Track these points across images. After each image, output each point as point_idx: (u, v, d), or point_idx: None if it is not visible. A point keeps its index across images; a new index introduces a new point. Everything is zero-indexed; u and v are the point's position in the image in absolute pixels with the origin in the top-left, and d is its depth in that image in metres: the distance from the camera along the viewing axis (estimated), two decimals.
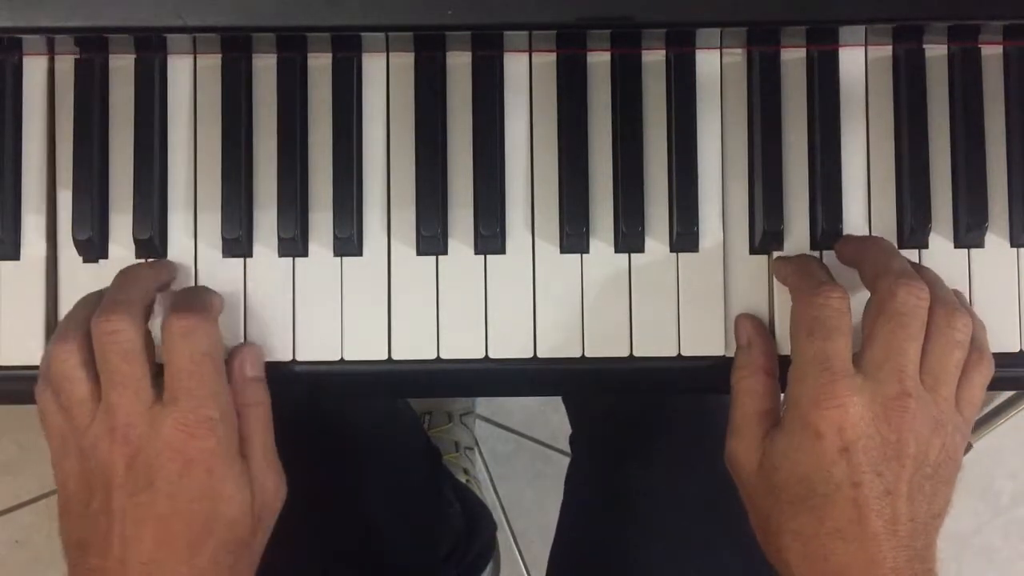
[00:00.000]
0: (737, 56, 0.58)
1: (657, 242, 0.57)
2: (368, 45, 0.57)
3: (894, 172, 0.57)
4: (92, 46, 0.56)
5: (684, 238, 0.56)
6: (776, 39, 0.57)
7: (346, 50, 0.57)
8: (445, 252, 0.57)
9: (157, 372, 0.51)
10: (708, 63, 0.57)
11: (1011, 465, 1.44)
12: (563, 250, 0.57)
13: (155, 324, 0.53)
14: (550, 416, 1.41)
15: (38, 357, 0.53)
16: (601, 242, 0.57)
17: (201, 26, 0.53)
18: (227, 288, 0.56)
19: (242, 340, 0.56)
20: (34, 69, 0.57)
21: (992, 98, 0.57)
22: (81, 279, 0.56)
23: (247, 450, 0.52)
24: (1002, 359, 0.55)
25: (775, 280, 0.57)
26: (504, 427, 1.43)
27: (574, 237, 0.56)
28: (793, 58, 0.58)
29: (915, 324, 0.50)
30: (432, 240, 0.56)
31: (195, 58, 0.57)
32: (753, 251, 0.58)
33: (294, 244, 0.56)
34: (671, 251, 0.57)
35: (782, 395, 0.53)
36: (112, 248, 0.57)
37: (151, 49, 0.57)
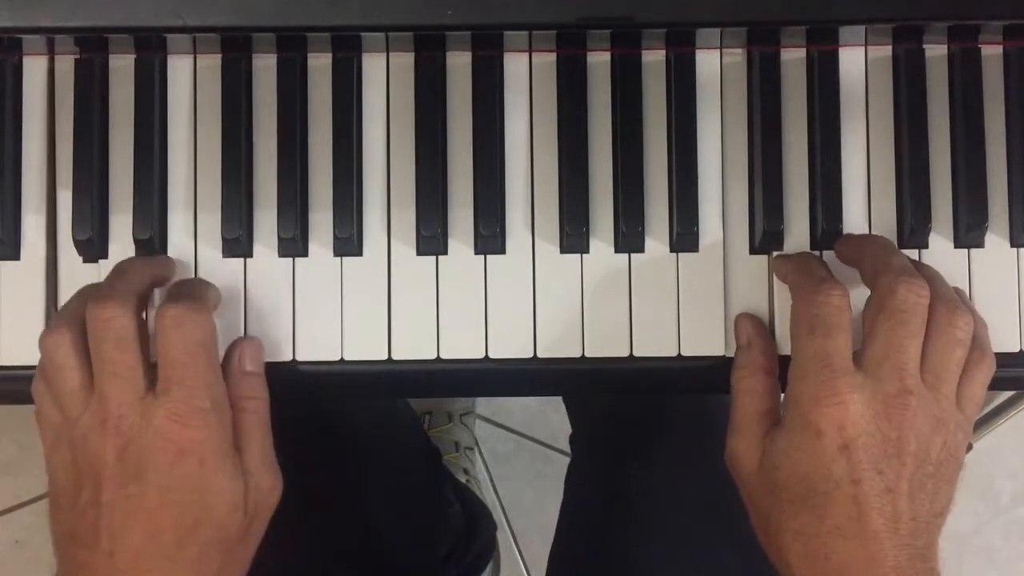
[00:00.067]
0: (737, 56, 0.58)
1: (657, 242, 0.57)
2: (368, 45, 0.57)
3: (894, 172, 0.57)
4: (92, 46, 0.56)
5: (684, 238, 0.56)
6: (776, 39, 0.57)
7: (346, 50, 0.57)
8: (445, 252, 0.57)
9: (152, 365, 0.51)
10: (708, 63, 0.57)
11: (1011, 465, 1.44)
12: (563, 250, 0.57)
13: (153, 318, 0.52)
14: (550, 416, 1.41)
15: (38, 357, 0.53)
16: (601, 242, 0.57)
17: (201, 26, 0.53)
18: (227, 288, 0.56)
19: None
20: (34, 69, 0.57)
21: (992, 98, 0.57)
22: (81, 279, 0.56)
23: (242, 445, 0.52)
24: (1002, 359, 0.55)
25: (775, 280, 0.57)
26: (504, 427, 1.43)
27: (574, 237, 0.56)
28: (793, 58, 0.58)
29: (915, 321, 0.50)
30: (432, 240, 0.56)
31: (195, 58, 0.57)
32: (753, 251, 0.58)
33: (294, 244, 0.56)
34: (671, 251, 0.57)
35: (782, 395, 0.53)
36: (112, 248, 0.57)
37: (151, 49, 0.57)
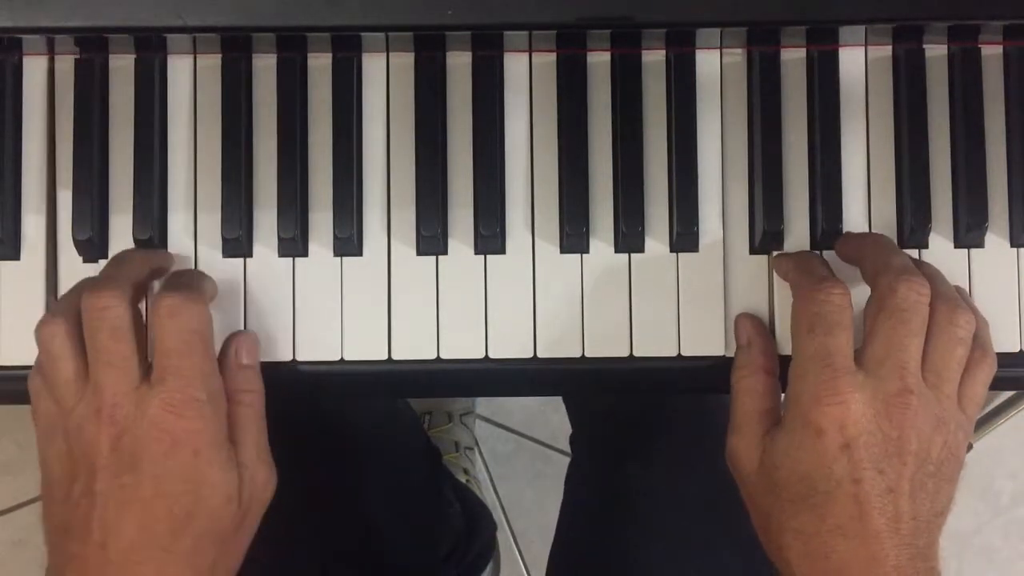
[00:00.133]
0: (737, 56, 0.58)
1: (657, 242, 0.57)
2: (368, 45, 0.57)
3: (894, 172, 0.57)
4: (92, 46, 0.56)
5: (684, 238, 0.56)
6: (776, 39, 0.57)
7: (346, 50, 0.57)
8: (445, 252, 0.57)
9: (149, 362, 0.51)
10: (708, 63, 0.57)
11: (1011, 465, 1.44)
12: (563, 250, 0.57)
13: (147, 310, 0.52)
14: (550, 416, 1.41)
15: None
16: (601, 242, 0.57)
17: (201, 26, 0.53)
18: (227, 288, 0.56)
19: None
20: (34, 69, 0.57)
21: (992, 98, 0.57)
22: (81, 279, 0.56)
23: (237, 438, 0.52)
24: (1002, 359, 0.55)
25: (775, 279, 0.57)
26: (504, 427, 1.43)
27: (574, 237, 0.56)
28: (793, 58, 0.58)
29: (916, 320, 0.50)
30: (432, 240, 0.56)
31: (195, 58, 0.57)
32: (753, 251, 0.58)
33: (294, 244, 0.56)
34: (671, 251, 0.57)
35: (782, 395, 0.53)
36: (112, 248, 0.57)
37: (151, 49, 0.57)
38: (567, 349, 0.57)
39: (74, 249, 0.57)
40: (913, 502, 0.48)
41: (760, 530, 0.53)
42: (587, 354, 0.57)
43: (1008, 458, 1.43)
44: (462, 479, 1.30)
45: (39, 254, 0.57)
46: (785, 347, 0.56)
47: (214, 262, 0.57)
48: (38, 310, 0.56)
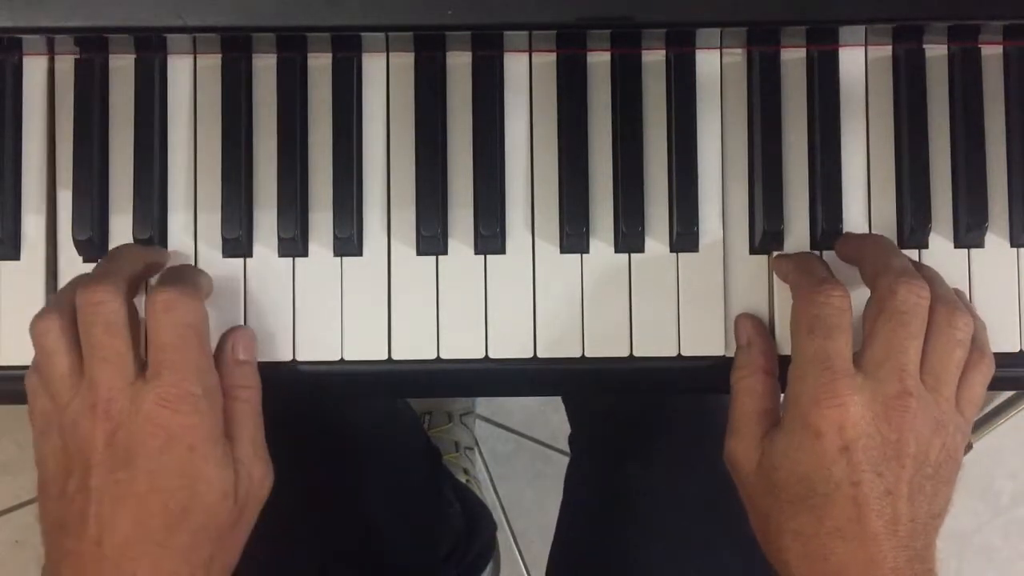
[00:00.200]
0: (737, 56, 0.58)
1: (657, 242, 0.57)
2: (368, 45, 0.57)
3: (894, 172, 0.57)
4: (92, 46, 0.56)
5: (684, 238, 0.56)
6: (776, 39, 0.57)
7: (346, 50, 0.57)
8: (445, 252, 0.57)
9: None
10: (708, 63, 0.57)
11: (1011, 465, 1.44)
12: (563, 250, 0.57)
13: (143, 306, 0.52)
14: (550, 416, 1.41)
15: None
16: (601, 242, 0.57)
17: (201, 26, 0.53)
18: (227, 288, 0.56)
19: None
20: (34, 69, 0.57)
21: (992, 98, 0.57)
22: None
23: (234, 434, 0.52)
24: (1002, 359, 0.55)
25: (775, 280, 0.57)
26: (504, 427, 1.43)
27: (574, 237, 0.56)
28: (793, 58, 0.58)
29: (916, 323, 0.50)
30: (432, 240, 0.56)
31: (195, 58, 0.57)
32: (753, 251, 0.58)
33: (294, 244, 0.56)
34: (671, 251, 0.57)
35: (782, 395, 0.53)
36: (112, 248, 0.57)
37: (151, 49, 0.57)
38: (567, 349, 0.57)
39: (74, 249, 0.57)
40: (911, 504, 0.49)
41: (758, 531, 0.53)
42: (587, 354, 0.57)
43: (1008, 458, 1.43)
44: (462, 479, 1.30)
45: (39, 254, 0.57)
46: (785, 347, 0.56)
47: (214, 262, 0.57)
48: (38, 310, 0.56)
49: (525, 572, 1.42)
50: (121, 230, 0.56)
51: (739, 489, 0.54)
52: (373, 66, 0.57)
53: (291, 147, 0.56)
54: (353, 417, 0.80)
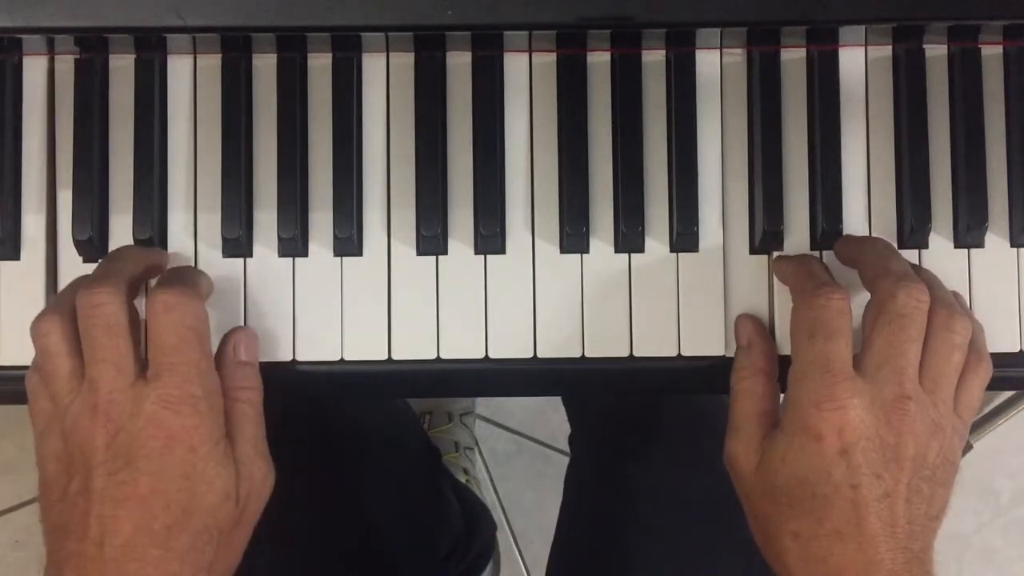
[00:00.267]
0: (737, 56, 0.58)
1: (657, 242, 0.57)
2: (368, 45, 0.57)
3: (894, 172, 0.57)
4: (92, 46, 0.56)
5: (684, 238, 0.56)
6: (776, 39, 0.57)
7: (346, 50, 0.57)
8: (445, 252, 0.57)
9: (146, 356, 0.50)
10: (708, 63, 0.57)
11: (1011, 465, 1.44)
12: (563, 250, 0.57)
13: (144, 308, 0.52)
14: (550, 416, 1.41)
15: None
16: (601, 242, 0.57)
17: (201, 26, 0.53)
18: (227, 288, 0.56)
19: None
20: (34, 69, 0.57)
21: (992, 98, 0.57)
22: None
23: (235, 435, 0.52)
24: (1002, 359, 0.55)
25: (775, 280, 0.57)
26: (504, 427, 1.43)
27: (574, 237, 0.56)
28: (793, 58, 0.58)
29: (915, 326, 0.50)
30: (432, 240, 0.56)
31: (195, 58, 0.57)
32: (753, 251, 0.58)
33: (294, 244, 0.56)
34: (671, 251, 0.57)
35: (781, 396, 0.53)
36: (112, 248, 0.57)
37: (151, 49, 0.57)
38: (567, 349, 0.57)
39: (74, 249, 0.57)
40: (909, 506, 0.49)
41: (757, 532, 0.53)
42: (587, 354, 0.57)
43: (1008, 458, 1.43)
44: (462, 479, 1.30)
45: (39, 254, 0.57)
46: (785, 348, 0.56)
47: (214, 262, 0.57)
48: (38, 310, 0.56)
49: (525, 572, 1.42)
50: (121, 230, 0.57)
51: (738, 490, 0.54)
52: (373, 66, 0.57)
53: (291, 147, 0.56)
54: (353, 417, 0.80)
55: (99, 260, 0.56)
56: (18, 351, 0.56)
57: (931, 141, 0.57)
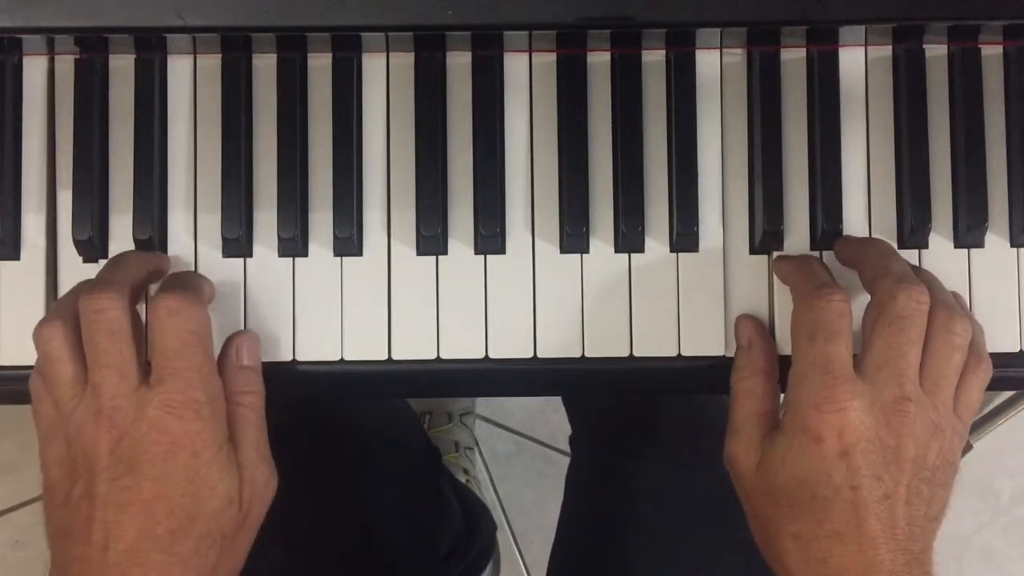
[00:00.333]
0: (737, 56, 0.58)
1: (657, 242, 0.57)
2: (368, 45, 0.57)
3: (894, 172, 0.57)
4: (92, 46, 0.56)
5: (684, 238, 0.56)
6: (776, 39, 0.57)
7: (346, 50, 0.57)
8: (445, 252, 0.57)
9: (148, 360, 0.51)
10: (708, 63, 0.57)
11: (1011, 465, 1.44)
12: (563, 250, 0.57)
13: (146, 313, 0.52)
14: (550, 416, 1.41)
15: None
16: (601, 242, 0.57)
17: (201, 26, 0.53)
18: (227, 288, 0.56)
19: None
20: (34, 69, 0.57)
21: (992, 98, 0.57)
22: (81, 279, 0.56)
23: (237, 439, 0.52)
24: (1002, 359, 0.55)
25: (775, 280, 0.57)
26: (504, 427, 1.43)
27: (574, 237, 0.56)
28: (793, 58, 0.58)
29: (915, 328, 0.50)
30: (432, 240, 0.56)
31: (195, 58, 0.57)
32: (753, 251, 0.58)
33: (294, 244, 0.56)
34: (671, 251, 0.57)
35: (782, 396, 0.53)
36: (112, 248, 0.57)
37: (151, 49, 0.57)
38: (567, 349, 0.57)
39: (74, 249, 0.57)
40: (909, 508, 0.49)
41: (757, 533, 0.53)
42: (587, 354, 0.57)
43: (1008, 458, 1.43)
44: (462, 479, 1.30)
45: (39, 254, 0.57)
46: (785, 348, 0.56)
47: (214, 262, 0.57)
48: (38, 310, 0.56)
49: (525, 572, 1.42)
50: (121, 230, 0.57)
51: (738, 491, 0.54)
52: (373, 66, 0.57)
53: (291, 147, 0.56)
54: (353, 417, 0.80)
55: (99, 260, 0.56)
56: (18, 351, 0.56)
57: (931, 141, 0.57)
